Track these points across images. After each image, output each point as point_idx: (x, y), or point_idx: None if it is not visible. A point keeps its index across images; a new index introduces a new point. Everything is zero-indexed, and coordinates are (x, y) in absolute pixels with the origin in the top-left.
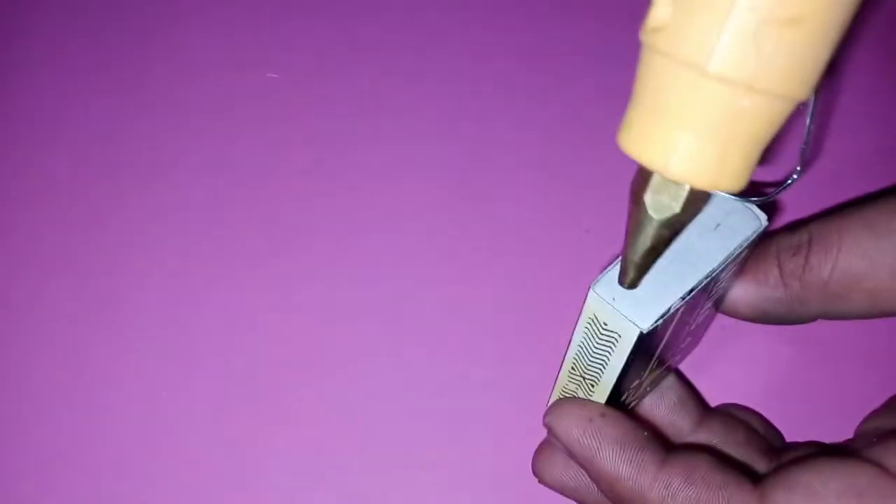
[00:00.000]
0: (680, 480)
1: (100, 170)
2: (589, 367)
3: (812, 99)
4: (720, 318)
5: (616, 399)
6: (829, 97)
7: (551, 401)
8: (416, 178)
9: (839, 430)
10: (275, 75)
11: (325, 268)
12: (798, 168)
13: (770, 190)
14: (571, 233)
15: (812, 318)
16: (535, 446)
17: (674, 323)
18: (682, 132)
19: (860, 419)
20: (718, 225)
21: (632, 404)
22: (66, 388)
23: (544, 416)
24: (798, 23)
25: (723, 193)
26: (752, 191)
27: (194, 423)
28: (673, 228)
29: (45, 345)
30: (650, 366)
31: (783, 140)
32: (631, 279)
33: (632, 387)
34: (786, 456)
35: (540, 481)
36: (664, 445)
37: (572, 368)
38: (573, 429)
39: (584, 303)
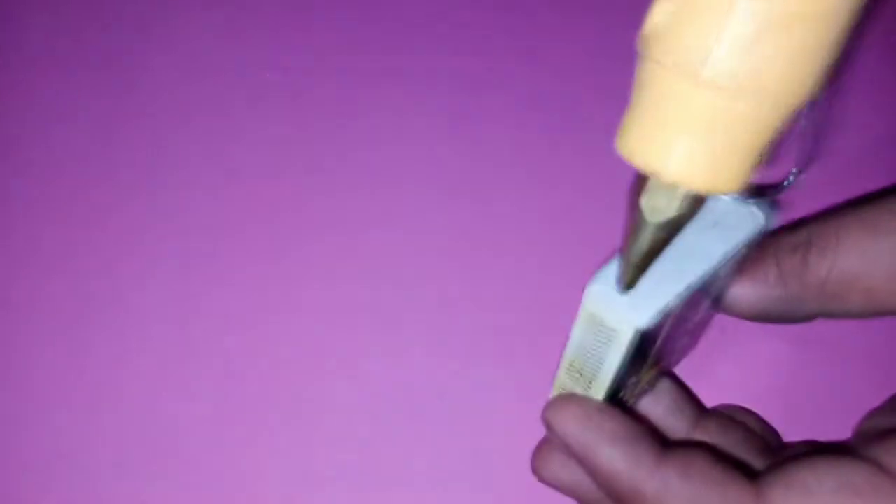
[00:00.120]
0: (677, 476)
1: (100, 170)
2: (587, 364)
3: (813, 103)
4: (720, 318)
5: (614, 396)
6: (832, 99)
7: (550, 398)
8: (416, 177)
9: (838, 430)
10: (275, 76)
11: (324, 267)
12: (798, 170)
13: (770, 190)
14: (571, 232)
15: (811, 317)
16: (535, 444)
17: (671, 320)
18: (679, 137)
19: (859, 419)
20: (717, 224)
21: (630, 402)
22: (66, 388)
23: (542, 413)
24: (794, 30)
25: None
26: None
27: (194, 422)
28: (670, 231)
29: (45, 345)
30: (648, 363)
31: (786, 140)
32: (629, 280)
33: (629, 384)
34: (783, 455)
35: (539, 479)
36: (661, 442)
37: (570, 365)
38: (571, 424)
39: (582, 300)
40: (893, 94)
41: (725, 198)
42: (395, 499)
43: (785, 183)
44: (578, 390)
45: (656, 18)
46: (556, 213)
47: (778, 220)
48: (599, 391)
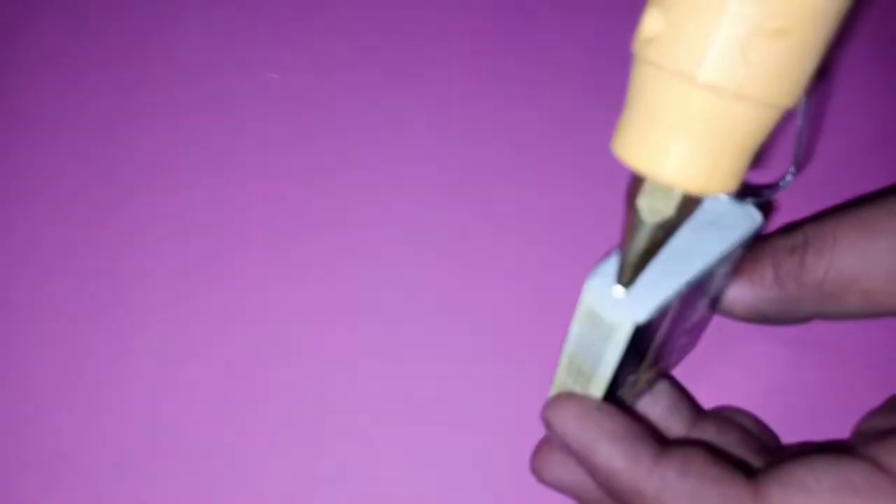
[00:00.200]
0: (675, 474)
1: (100, 170)
2: (585, 361)
3: (803, 105)
4: (717, 320)
5: (612, 393)
6: (822, 99)
7: (549, 397)
8: (416, 177)
9: (836, 432)
10: (275, 75)
11: (325, 267)
12: (791, 170)
13: (765, 191)
14: (570, 232)
15: (808, 319)
16: (534, 444)
17: (669, 319)
18: (674, 139)
19: (857, 420)
20: (713, 223)
21: (628, 402)
22: (66, 388)
23: (542, 412)
24: (784, 34)
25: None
26: (746, 192)
27: (194, 422)
28: (666, 230)
29: (45, 345)
30: (646, 362)
31: (777, 142)
32: (627, 279)
33: (628, 382)
34: (780, 456)
35: (538, 479)
36: (660, 440)
37: (569, 363)
38: (570, 423)
39: (580, 297)
40: (883, 96)
41: (722, 197)
42: (395, 499)
43: (780, 183)
44: (577, 388)
45: (651, 21)
46: (556, 212)
47: (772, 221)
48: (598, 388)
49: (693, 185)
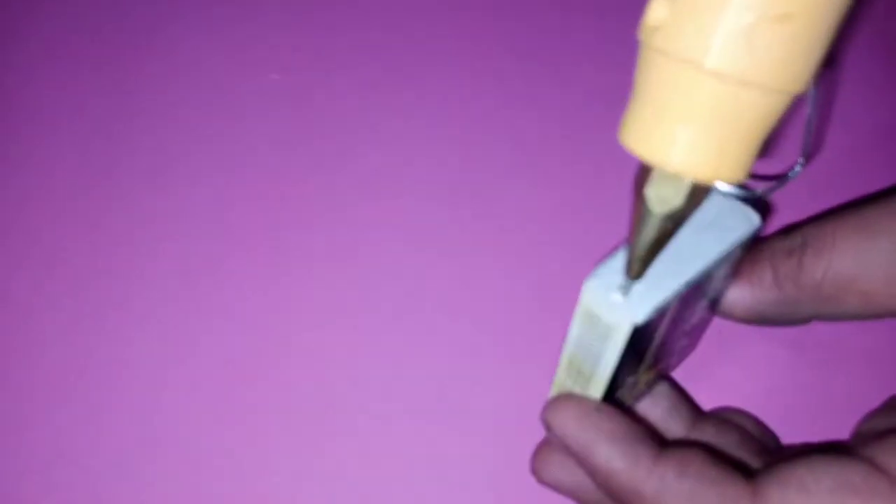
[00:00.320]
0: (674, 474)
1: (101, 169)
2: (585, 362)
3: (811, 92)
4: (717, 321)
5: (611, 395)
6: (830, 88)
7: (549, 398)
8: (416, 177)
9: (836, 433)
10: (277, 76)
11: (325, 266)
12: (801, 160)
13: (775, 181)
14: (570, 232)
15: (807, 320)
16: (535, 445)
17: (668, 320)
18: (682, 127)
19: (857, 421)
20: (712, 224)
21: (628, 404)
22: (66, 387)
23: (541, 413)
24: (789, 19)
25: (723, 190)
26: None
27: (195, 422)
28: (675, 221)
29: (46, 344)
30: (645, 363)
31: (783, 135)
32: (637, 270)
33: (627, 383)
34: (780, 456)
35: (539, 480)
36: (659, 441)
37: (569, 364)
38: (569, 423)
39: (579, 298)
40: (886, 94)
41: (721, 198)
42: (395, 499)
43: (790, 173)
44: (577, 389)
45: (657, 8)
46: (556, 212)
47: (772, 221)
48: (597, 389)
49: (701, 174)
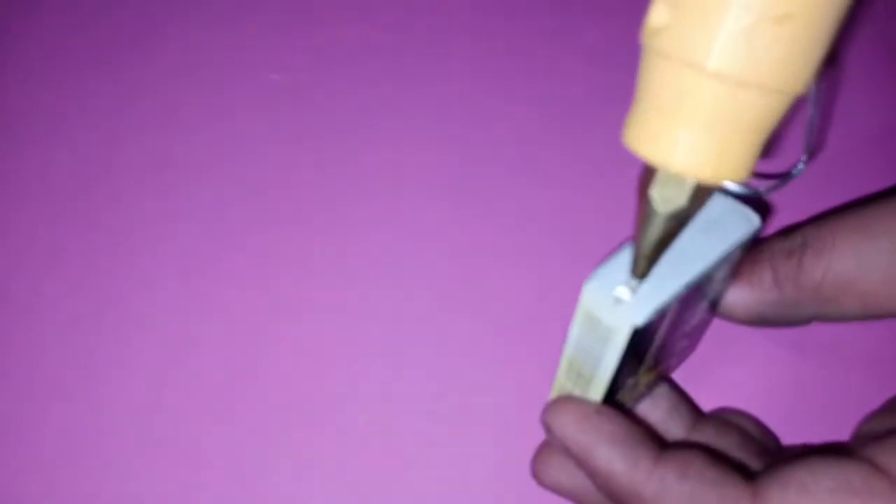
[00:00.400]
0: (674, 476)
1: (102, 169)
2: (585, 364)
3: (812, 91)
4: (717, 322)
5: (611, 397)
6: (832, 87)
7: (549, 400)
8: (417, 177)
9: (836, 433)
10: (277, 76)
11: (325, 267)
12: (803, 158)
13: (778, 180)
14: (570, 233)
15: (807, 321)
16: (535, 447)
17: (668, 321)
18: (685, 128)
19: (857, 422)
20: (712, 226)
21: (628, 406)
22: (66, 387)
23: (541, 415)
24: (789, 19)
25: (727, 188)
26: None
27: (194, 422)
28: (680, 220)
29: (46, 344)
30: (645, 365)
31: (785, 134)
32: (642, 269)
33: (627, 385)
34: (780, 457)
35: (539, 483)
36: (659, 442)
37: (569, 366)
38: (569, 426)
39: (579, 300)
40: (887, 94)
41: (721, 200)
42: (395, 500)
43: (793, 171)
44: (577, 391)
45: (658, 12)
46: (557, 212)
47: (772, 221)
48: (597, 391)
49: (704, 174)
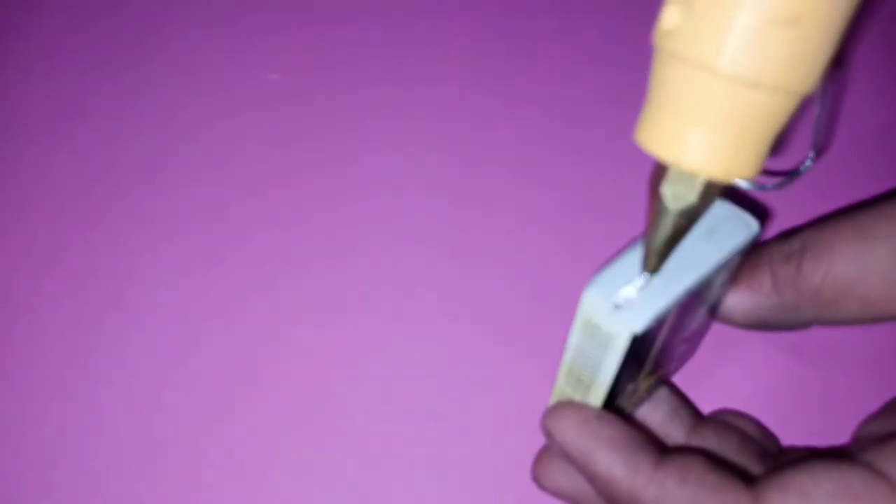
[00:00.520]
0: (674, 481)
1: (99, 170)
2: (584, 370)
3: (820, 91)
4: (717, 327)
5: (611, 402)
6: (840, 86)
7: (549, 405)
8: (417, 177)
9: (836, 435)
10: (277, 76)
11: (325, 267)
12: (811, 155)
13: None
14: (570, 234)
15: (806, 325)
16: (536, 450)
17: (667, 326)
18: (696, 127)
19: (856, 424)
20: (712, 232)
21: (628, 410)
22: (66, 387)
23: (542, 421)
24: (798, 21)
25: (732, 187)
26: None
27: (194, 422)
28: (690, 217)
29: (46, 344)
30: (645, 370)
31: (792, 133)
32: (653, 264)
33: (627, 390)
34: (781, 460)
35: (539, 487)
36: (659, 447)
37: (569, 372)
38: (569, 431)
39: (578, 307)
40: (891, 96)
41: (720, 205)
42: (395, 500)
43: (801, 168)
44: (577, 397)
45: (671, 14)
46: (558, 213)
47: (772, 224)
48: (597, 397)
49: (715, 172)
